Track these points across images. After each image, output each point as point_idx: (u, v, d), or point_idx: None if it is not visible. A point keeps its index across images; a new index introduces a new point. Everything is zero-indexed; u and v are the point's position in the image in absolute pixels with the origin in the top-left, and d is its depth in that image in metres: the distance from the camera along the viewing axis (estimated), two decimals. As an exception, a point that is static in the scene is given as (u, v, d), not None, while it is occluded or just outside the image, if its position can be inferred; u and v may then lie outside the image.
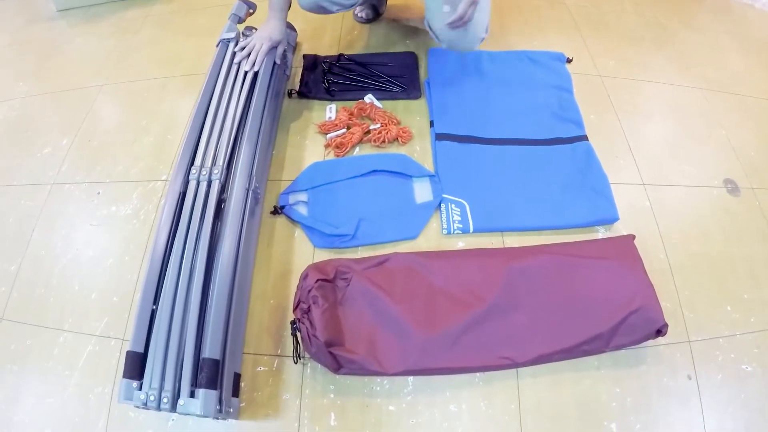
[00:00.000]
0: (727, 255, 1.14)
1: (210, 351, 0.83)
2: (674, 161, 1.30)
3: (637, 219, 1.17)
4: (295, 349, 0.94)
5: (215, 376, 0.82)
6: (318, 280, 0.96)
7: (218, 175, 1.02)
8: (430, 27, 1.25)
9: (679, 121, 1.40)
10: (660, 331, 0.94)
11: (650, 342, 0.97)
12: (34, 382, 1.00)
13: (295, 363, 0.96)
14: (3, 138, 1.42)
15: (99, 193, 1.26)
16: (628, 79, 1.48)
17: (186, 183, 1.03)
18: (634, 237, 1.08)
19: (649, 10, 1.74)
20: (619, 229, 1.15)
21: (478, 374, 0.96)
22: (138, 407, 0.81)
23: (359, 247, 1.11)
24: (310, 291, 0.94)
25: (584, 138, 1.28)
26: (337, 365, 0.91)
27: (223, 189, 1.03)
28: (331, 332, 0.91)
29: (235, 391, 0.90)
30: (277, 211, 1.16)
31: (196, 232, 0.95)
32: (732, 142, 1.35)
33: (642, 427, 0.92)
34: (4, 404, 0.97)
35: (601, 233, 1.14)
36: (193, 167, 1.04)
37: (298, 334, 0.93)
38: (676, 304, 1.05)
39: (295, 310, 0.94)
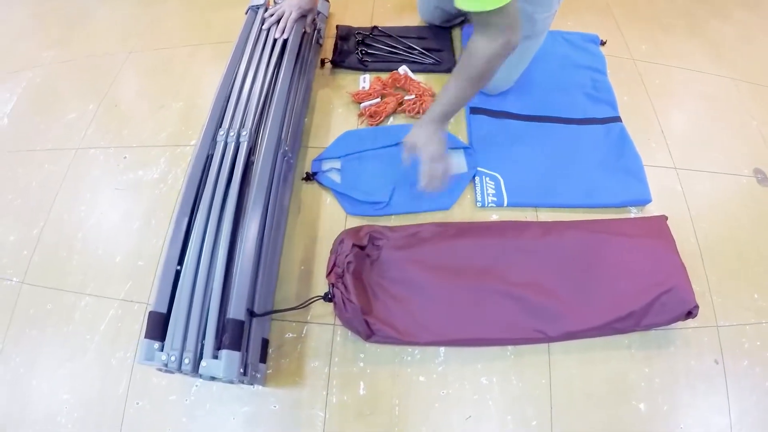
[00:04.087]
0: (754, 243, 1.12)
1: (234, 312, 0.80)
2: (704, 147, 1.28)
3: (669, 202, 1.16)
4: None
5: (239, 338, 0.79)
6: (354, 245, 0.95)
7: (246, 137, 0.99)
8: None
9: (709, 108, 1.38)
10: (690, 313, 0.93)
11: (679, 324, 0.97)
12: (54, 346, 0.99)
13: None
14: (27, 104, 1.41)
15: (125, 157, 1.24)
16: (661, 64, 1.46)
17: (214, 145, 1.00)
18: (666, 218, 1.07)
19: (679, -2, 1.72)
20: (651, 210, 1.14)
21: (509, 348, 0.95)
22: (159, 369, 0.78)
23: (392, 216, 1.10)
24: (346, 256, 0.93)
25: (618, 119, 1.26)
26: (369, 332, 0.90)
27: (251, 152, 1.00)
28: (362, 299, 0.91)
29: (263, 357, 0.90)
30: (309, 177, 1.14)
31: (223, 192, 0.92)
32: (762, 132, 1.33)
33: (669, 409, 0.91)
34: (22, 368, 0.97)
35: (633, 214, 1.13)
36: (221, 129, 1.02)
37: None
38: (704, 288, 1.04)
39: (329, 274, 0.94)
